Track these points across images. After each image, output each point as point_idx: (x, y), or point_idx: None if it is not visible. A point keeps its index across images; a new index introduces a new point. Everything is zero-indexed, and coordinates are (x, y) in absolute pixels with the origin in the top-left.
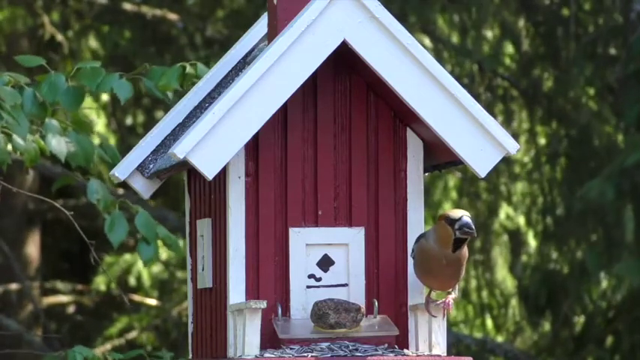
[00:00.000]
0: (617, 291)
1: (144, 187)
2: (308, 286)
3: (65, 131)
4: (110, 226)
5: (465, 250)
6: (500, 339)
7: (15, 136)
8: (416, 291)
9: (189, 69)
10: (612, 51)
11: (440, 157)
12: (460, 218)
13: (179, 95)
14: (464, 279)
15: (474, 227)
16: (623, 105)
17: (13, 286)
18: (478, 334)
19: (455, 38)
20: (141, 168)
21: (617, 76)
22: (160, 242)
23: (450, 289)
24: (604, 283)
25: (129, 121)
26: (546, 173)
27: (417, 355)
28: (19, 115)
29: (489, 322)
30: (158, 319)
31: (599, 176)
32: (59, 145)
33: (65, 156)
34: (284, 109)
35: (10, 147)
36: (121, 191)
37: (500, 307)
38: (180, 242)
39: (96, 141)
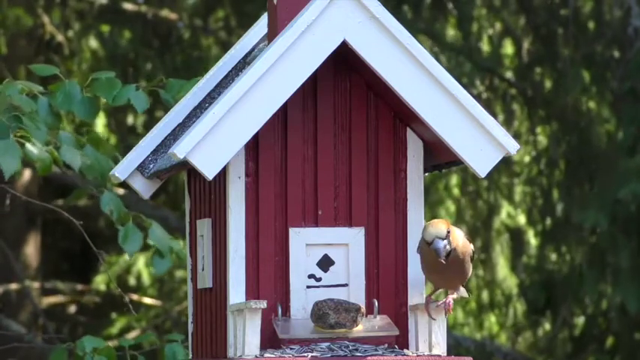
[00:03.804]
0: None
1: (144, 187)
2: (308, 286)
3: (81, 147)
4: (124, 237)
5: (465, 245)
6: (500, 338)
7: (28, 145)
8: (416, 291)
9: None
10: (612, 53)
11: (440, 157)
12: (432, 242)
13: None
14: None
15: (442, 254)
16: (620, 123)
17: (13, 286)
18: (478, 335)
19: (454, 36)
20: (141, 168)
21: (615, 92)
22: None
23: (454, 288)
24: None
25: (129, 121)
26: (546, 174)
27: (417, 355)
28: (36, 120)
29: (489, 323)
30: (158, 319)
31: (592, 207)
32: (73, 156)
33: (79, 167)
34: (284, 109)
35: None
36: (121, 191)
37: (502, 307)
38: (181, 242)
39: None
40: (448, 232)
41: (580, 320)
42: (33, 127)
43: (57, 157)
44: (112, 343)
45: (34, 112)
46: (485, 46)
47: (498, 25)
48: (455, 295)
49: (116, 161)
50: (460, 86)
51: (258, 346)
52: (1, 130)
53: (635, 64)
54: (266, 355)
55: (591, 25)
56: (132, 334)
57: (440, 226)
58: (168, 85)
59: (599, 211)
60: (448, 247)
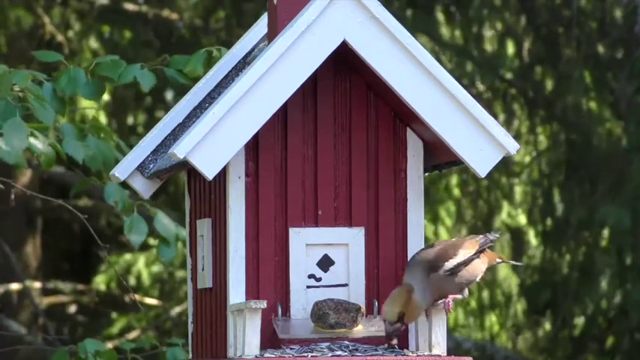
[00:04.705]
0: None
1: (144, 187)
2: (308, 286)
3: (84, 137)
4: (129, 227)
5: (472, 270)
6: (501, 339)
7: (32, 140)
8: None
9: (215, 53)
10: (615, 54)
11: (440, 157)
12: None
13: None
14: None
15: (390, 338)
16: (628, 125)
17: (13, 286)
18: (479, 335)
19: (455, 38)
20: (141, 168)
21: (619, 93)
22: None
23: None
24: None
25: (129, 120)
26: (546, 174)
27: (417, 355)
28: (43, 103)
29: (491, 322)
30: (158, 319)
31: (614, 203)
32: (76, 148)
33: (82, 158)
34: (284, 109)
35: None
36: None
37: (502, 307)
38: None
39: (111, 143)
40: (401, 315)
41: (580, 320)
42: (40, 107)
43: (60, 150)
44: (112, 344)
45: (41, 96)
46: (486, 47)
47: (499, 26)
48: (459, 296)
49: (119, 148)
50: (460, 86)
51: (258, 346)
52: (7, 109)
53: None
54: (266, 355)
55: (594, 25)
56: (132, 334)
57: (393, 307)
58: (173, 62)
59: (619, 209)
60: (402, 327)
